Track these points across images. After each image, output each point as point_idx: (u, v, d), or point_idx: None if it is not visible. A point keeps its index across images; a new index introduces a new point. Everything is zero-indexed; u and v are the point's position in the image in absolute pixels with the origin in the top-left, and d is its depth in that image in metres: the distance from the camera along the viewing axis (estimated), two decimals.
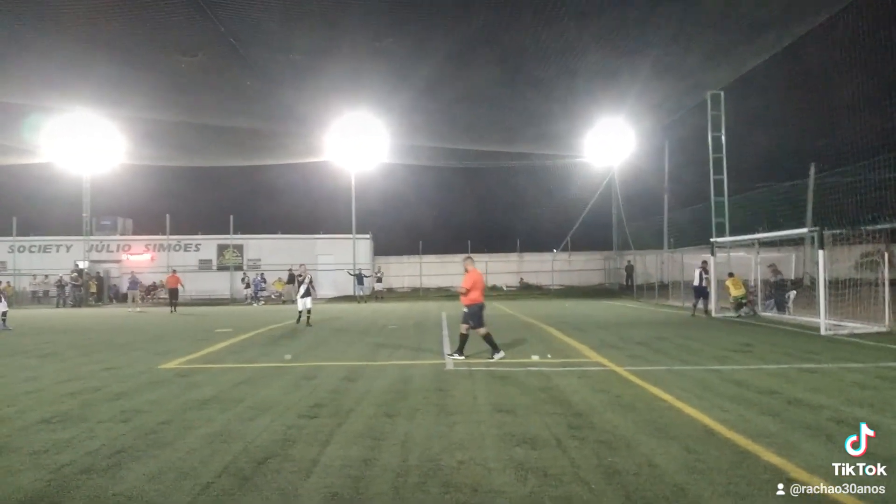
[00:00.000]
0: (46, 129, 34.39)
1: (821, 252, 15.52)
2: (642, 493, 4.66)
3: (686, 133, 32.28)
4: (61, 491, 4.78)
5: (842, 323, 15.61)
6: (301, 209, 44.50)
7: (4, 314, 20.46)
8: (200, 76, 21.52)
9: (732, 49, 23.63)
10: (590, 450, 5.74)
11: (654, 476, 5.01)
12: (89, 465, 5.38)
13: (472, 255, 15.17)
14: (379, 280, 39.79)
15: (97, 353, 13.22)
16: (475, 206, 48.56)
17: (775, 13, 20.55)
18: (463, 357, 11.44)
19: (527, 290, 41.75)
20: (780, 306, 20.50)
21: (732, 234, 24.34)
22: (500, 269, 43.81)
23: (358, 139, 37.41)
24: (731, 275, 21.72)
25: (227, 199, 43.74)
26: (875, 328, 15.22)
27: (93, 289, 38.98)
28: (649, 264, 35.66)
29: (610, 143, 36.97)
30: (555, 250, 45.24)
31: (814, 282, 18.99)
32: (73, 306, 36.57)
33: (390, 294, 41.94)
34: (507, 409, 7.42)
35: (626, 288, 38.69)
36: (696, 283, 21.61)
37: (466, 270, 11.94)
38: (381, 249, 45.69)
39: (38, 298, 39.31)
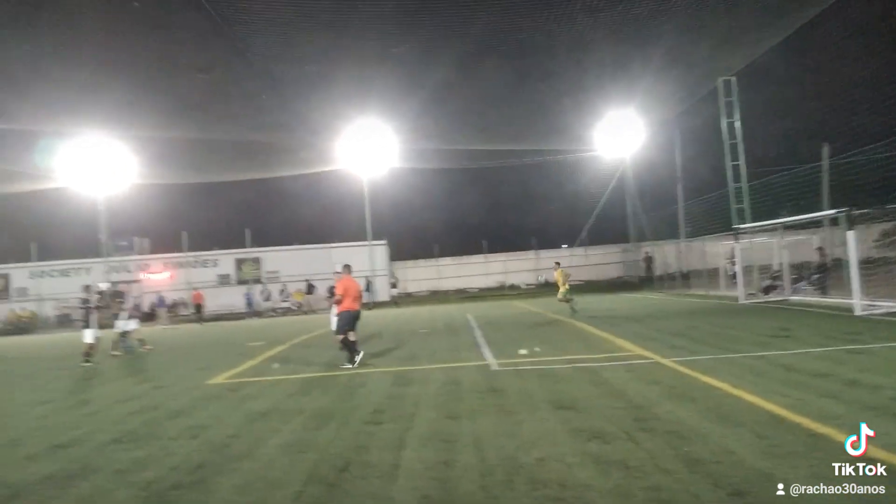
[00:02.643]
0: (60, 153, 34.81)
1: (851, 233, 15.50)
2: (728, 479, 4.72)
3: (698, 122, 32.27)
4: None
5: (876, 302, 15.57)
6: (315, 219, 44.74)
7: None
8: (215, 92, 21.75)
9: (744, 35, 23.65)
10: (662, 441, 5.79)
11: (735, 462, 5.07)
12: (177, 481, 5.49)
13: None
14: (393, 286, 39.91)
15: (141, 373, 13.40)
16: (489, 206, 48.68)
17: None
18: (355, 364, 11.63)
19: (546, 288, 41.74)
20: (824, 288, 20.27)
21: (753, 219, 24.31)
22: (518, 267, 43.94)
23: (369, 145, 37.66)
24: (557, 264, 21.89)
25: (243, 213, 44.08)
26: None
27: (115, 310, 39.19)
28: (668, 254, 35.63)
29: (621, 135, 37.03)
30: (564, 245, 45.28)
31: (835, 264, 19.02)
32: (98, 328, 36.78)
33: (408, 298, 42.06)
34: (566, 405, 7.49)
35: (645, 279, 38.65)
36: (731, 271, 21.71)
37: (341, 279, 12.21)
38: (396, 255, 45.78)
39: (63, 322, 39.64)
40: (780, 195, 22.71)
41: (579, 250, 43.91)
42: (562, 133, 37.19)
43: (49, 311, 40.11)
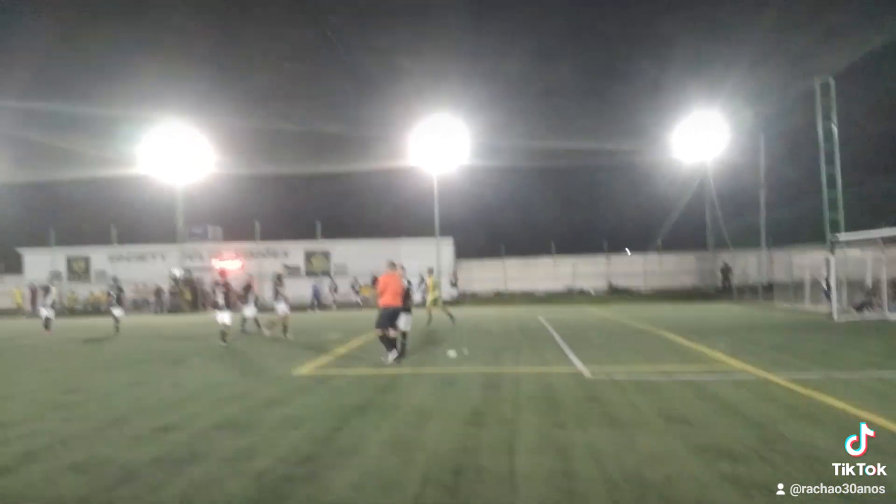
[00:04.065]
0: (142, 140, 36.03)
1: None
2: None
3: (787, 125, 30.86)
4: (276, 500, 4.75)
5: None
6: (384, 214, 44.90)
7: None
8: (299, 83, 22.01)
9: (845, 32, 22.43)
10: (802, 464, 5.31)
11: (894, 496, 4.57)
12: (287, 474, 5.35)
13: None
14: (453, 284, 39.63)
15: (223, 360, 13.53)
16: (559, 207, 47.88)
17: None
18: (388, 361, 11.92)
19: (616, 294, 40.78)
20: None
21: (847, 231, 22.97)
22: (588, 271, 42.97)
23: (440, 141, 37.54)
24: (430, 271, 21.09)
25: (313, 204, 44.65)
26: None
27: (188, 296, 40.45)
28: (748, 265, 34.20)
29: (702, 137, 35.75)
30: (627, 251, 44.09)
31: None
32: (170, 313, 38.05)
33: (473, 299, 41.72)
34: (678, 419, 7.04)
35: (722, 290, 37.24)
36: (824, 286, 20.63)
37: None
38: (462, 252, 45.43)
39: (137, 306, 41.04)
40: (879, 205, 21.41)
41: (653, 257, 42.63)
42: (639, 134, 36.34)
43: (127, 293, 41.51)
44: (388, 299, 12.17)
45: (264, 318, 20.24)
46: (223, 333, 16.33)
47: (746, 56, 24.16)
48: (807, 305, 24.67)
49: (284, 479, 5.19)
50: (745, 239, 34.45)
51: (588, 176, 44.06)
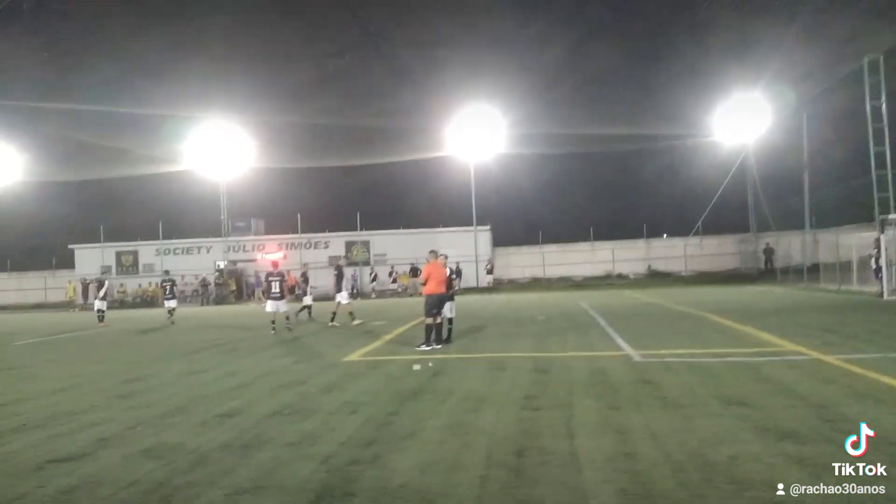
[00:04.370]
0: (187, 137, 36.82)
1: None
2: None
3: (833, 105, 30.01)
4: (346, 483, 4.87)
5: None
6: (422, 203, 44.97)
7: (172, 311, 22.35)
8: (340, 78, 22.24)
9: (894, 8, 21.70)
10: (870, 446, 5.24)
11: None
12: (353, 457, 5.48)
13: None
14: (489, 272, 39.67)
15: (273, 348, 13.85)
16: (597, 193, 47.27)
17: None
18: (438, 346, 12.21)
19: (656, 278, 40.34)
20: None
21: None
22: (627, 256, 42.54)
23: (477, 130, 37.49)
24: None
25: (353, 195, 44.95)
26: None
27: (232, 287, 41.36)
28: (791, 246, 33.48)
29: (743, 119, 35.01)
30: (664, 236, 43.48)
31: None
32: (216, 304, 38.95)
33: (510, 285, 41.72)
34: (736, 401, 7.01)
35: (765, 272, 36.55)
36: (873, 265, 20.18)
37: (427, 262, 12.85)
38: (499, 240, 45.37)
39: (184, 298, 42.00)
40: None
41: (693, 240, 41.99)
42: (678, 117, 35.57)
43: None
44: (433, 287, 12.38)
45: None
46: (273, 322, 16.76)
47: (791, 35, 23.45)
48: (854, 286, 24.11)
49: (351, 463, 5.33)
50: (788, 220, 33.72)
51: (626, 161, 43.40)
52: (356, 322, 17.94)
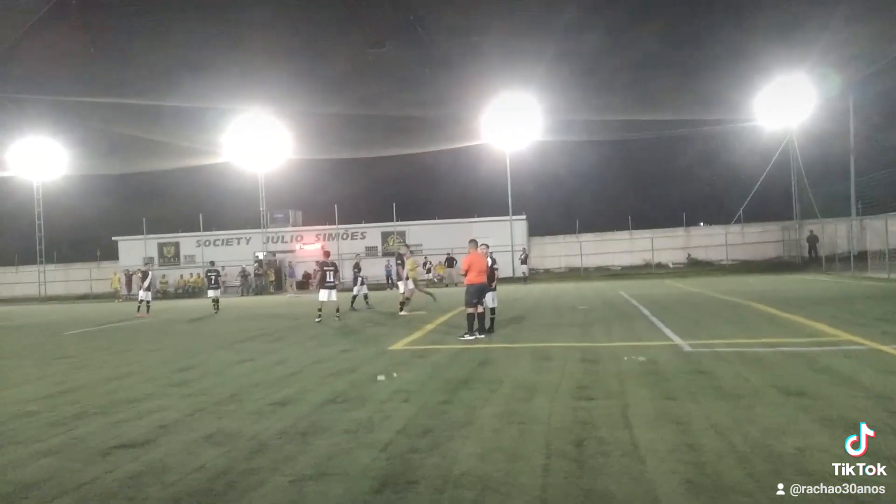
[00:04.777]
0: (226, 129, 37.33)
1: None
2: None
3: (881, 87, 29.10)
4: (408, 470, 4.88)
5: None
6: (458, 193, 45.02)
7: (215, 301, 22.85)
8: (382, 67, 22.28)
9: None
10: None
11: None
12: (411, 446, 5.50)
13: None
14: (523, 261, 39.49)
15: (320, 337, 14.00)
16: (635, 180, 46.71)
17: None
18: (481, 336, 12.24)
19: (696, 267, 39.70)
20: None
21: None
22: (666, 245, 41.96)
23: (513, 118, 37.20)
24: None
25: (389, 186, 45.16)
26: None
27: (271, 277, 41.95)
28: (837, 234, 32.64)
29: (787, 103, 34.13)
30: (700, 224, 42.69)
31: None
32: (256, 294, 39.54)
33: (546, 275, 41.46)
34: (794, 391, 6.86)
35: (809, 261, 35.70)
36: None
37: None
38: (535, 230, 45.15)
39: (226, 288, 42.71)
40: None
41: (734, 228, 41.20)
42: (718, 102, 34.79)
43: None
44: (474, 277, 12.35)
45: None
46: (320, 310, 17.29)
47: (837, 15, 22.75)
48: None
49: (410, 451, 5.35)
50: (834, 207, 32.87)
51: (665, 147, 42.69)
52: (403, 313, 18.09)
